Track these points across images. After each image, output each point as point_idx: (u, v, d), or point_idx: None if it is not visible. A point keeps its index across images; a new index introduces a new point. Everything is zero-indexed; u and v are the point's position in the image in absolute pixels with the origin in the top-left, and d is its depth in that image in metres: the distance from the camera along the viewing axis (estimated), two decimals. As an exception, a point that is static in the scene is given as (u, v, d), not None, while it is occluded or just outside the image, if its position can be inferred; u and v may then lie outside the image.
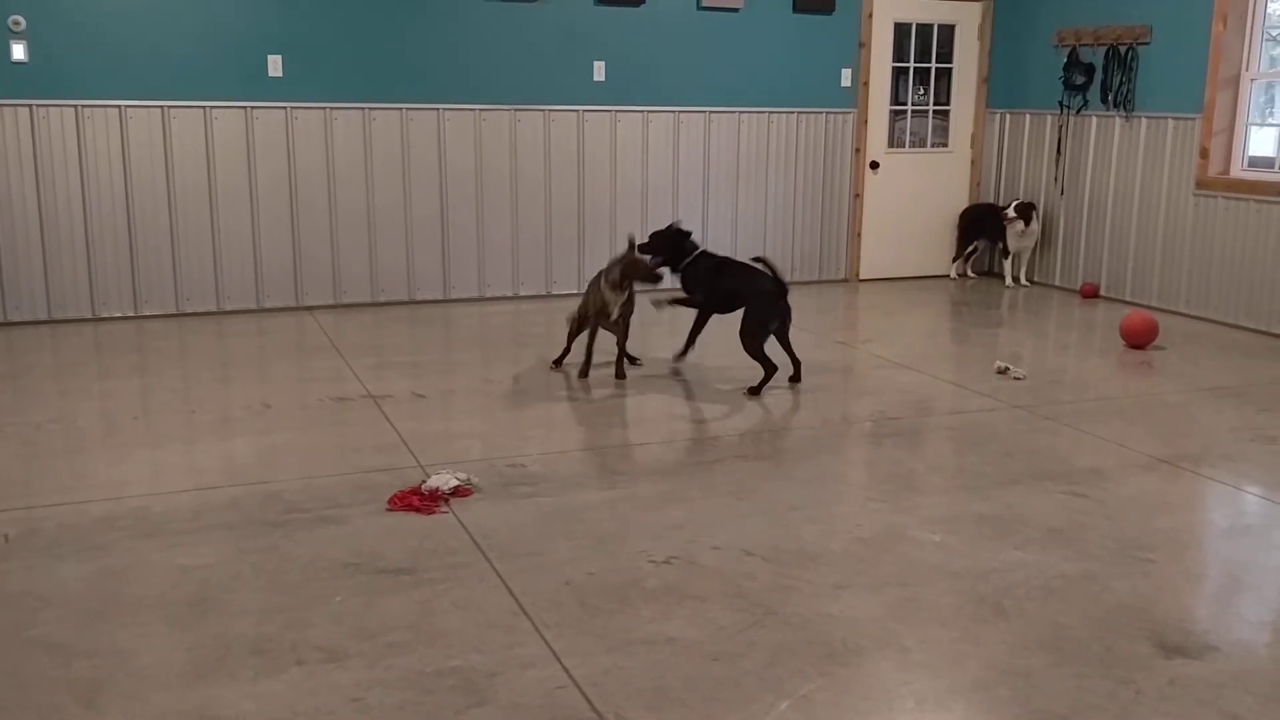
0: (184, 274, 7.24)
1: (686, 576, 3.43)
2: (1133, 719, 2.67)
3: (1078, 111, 8.41)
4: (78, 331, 6.80)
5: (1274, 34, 7.36)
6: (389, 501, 3.98)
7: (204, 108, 7.11)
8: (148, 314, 7.19)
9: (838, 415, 5.21)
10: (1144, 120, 7.91)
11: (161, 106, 7.02)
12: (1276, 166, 7.25)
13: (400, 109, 7.54)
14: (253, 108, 7.21)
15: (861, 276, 9.02)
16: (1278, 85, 7.38)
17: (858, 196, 8.91)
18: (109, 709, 2.68)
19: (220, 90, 7.12)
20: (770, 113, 8.51)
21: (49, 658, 2.91)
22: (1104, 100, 8.15)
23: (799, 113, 8.60)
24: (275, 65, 7.20)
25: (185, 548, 3.60)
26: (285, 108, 7.28)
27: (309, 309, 7.51)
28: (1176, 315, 7.62)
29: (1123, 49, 7.97)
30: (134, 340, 6.61)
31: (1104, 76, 8.13)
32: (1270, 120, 7.42)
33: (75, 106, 6.85)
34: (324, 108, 7.37)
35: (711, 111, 8.34)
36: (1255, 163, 7.41)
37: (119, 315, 7.14)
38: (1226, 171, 7.47)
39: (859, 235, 8.97)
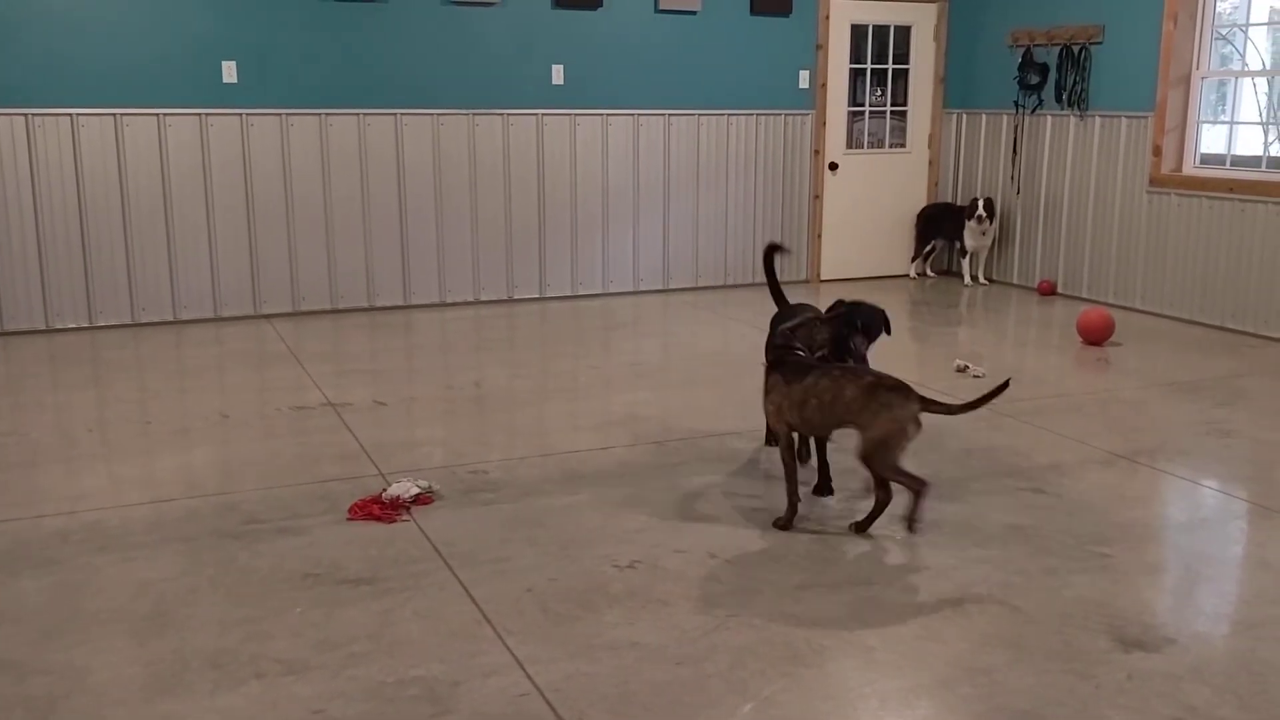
0: (139, 284, 7.15)
1: (650, 580, 3.43)
2: (1092, 713, 2.69)
3: (1033, 111, 8.50)
4: (30, 343, 6.70)
5: (1223, 33, 7.46)
6: (349, 511, 3.95)
7: (157, 115, 7.02)
8: (102, 325, 7.10)
9: (800, 416, 5.22)
10: (1098, 119, 8.00)
11: (114, 114, 6.93)
12: (1228, 163, 7.35)
13: (357, 114, 7.49)
14: (207, 115, 7.13)
15: (823, 277, 9.06)
16: (1228, 83, 7.48)
17: (817, 198, 8.95)
18: (64, 727, 2.64)
19: (173, 97, 7.04)
20: (729, 115, 8.54)
21: (3, 675, 2.86)
22: (1058, 99, 8.24)
23: (758, 114, 8.63)
24: (229, 71, 7.13)
25: (142, 561, 3.56)
26: (240, 114, 7.21)
27: (267, 317, 7.44)
28: (1132, 311, 7.71)
29: (1076, 49, 8.06)
30: (88, 351, 6.52)
31: (1058, 76, 8.22)
32: (1221, 118, 7.52)
33: (25, 115, 6.75)
34: (280, 114, 7.30)
35: (671, 114, 8.35)
36: (1207, 160, 7.51)
37: (73, 326, 7.04)
38: (1179, 169, 7.56)
39: (819, 236, 9.01)
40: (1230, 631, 3.15)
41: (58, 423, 5.10)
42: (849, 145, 9.03)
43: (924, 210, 9.25)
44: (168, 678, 2.85)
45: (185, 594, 3.32)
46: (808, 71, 8.71)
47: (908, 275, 9.32)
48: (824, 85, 8.77)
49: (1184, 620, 3.22)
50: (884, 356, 6.37)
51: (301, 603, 3.26)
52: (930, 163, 9.34)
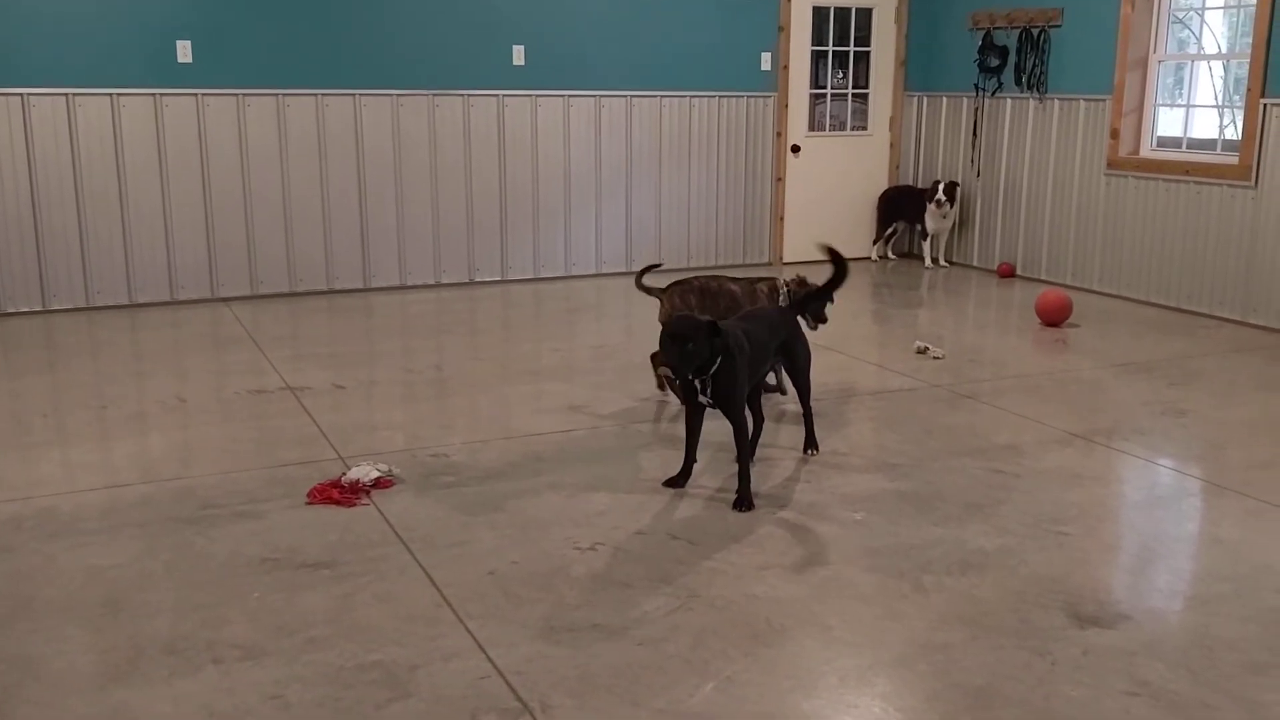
0: (93, 267, 7.05)
1: (611, 562, 3.43)
2: (1048, 689, 2.72)
3: (993, 94, 8.54)
4: (-18, 328, 6.59)
5: (1180, 16, 7.53)
6: (308, 495, 3.92)
7: (110, 95, 6.91)
8: (56, 308, 6.99)
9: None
10: (1056, 102, 8.06)
11: (65, 94, 6.80)
12: (1184, 146, 7.43)
13: (315, 95, 7.41)
14: (161, 95, 7.03)
15: (785, 260, 9.08)
16: (1185, 67, 7.55)
17: (779, 180, 8.96)
18: (18, 717, 2.60)
19: (127, 77, 6.93)
20: (691, 96, 8.52)
21: (-48, 665, 2.82)
22: (1018, 82, 8.28)
23: (720, 97, 8.61)
24: (184, 51, 7.02)
25: (96, 547, 3.51)
26: (196, 95, 7.11)
27: (224, 300, 7.36)
28: (1090, 293, 7.79)
29: (1035, 31, 8.10)
30: (42, 336, 6.42)
31: (1017, 59, 8.26)
32: (1178, 101, 7.60)
33: (-26, 95, 6.63)
34: (236, 94, 7.21)
35: (633, 95, 8.32)
36: (1164, 143, 7.59)
37: (26, 310, 6.92)
38: (1136, 152, 7.63)
39: (781, 219, 9.02)
40: (1184, 607, 3.20)
41: (10, 408, 5.02)
42: (811, 128, 9.04)
43: (885, 193, 9.28)
44: (122, 665, 2.81)
45: (140, 580, 3.28)
46: (770, 53, 8.70)
47: (869, 258, 9.36)
48: (786, 67, 8.76)
49: (1139, 597, 3.26)
50: (845, 339, 6.41)
51: (259, 588, 3.24)
52: (891, 145, 9.37)
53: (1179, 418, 4.98)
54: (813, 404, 4.47)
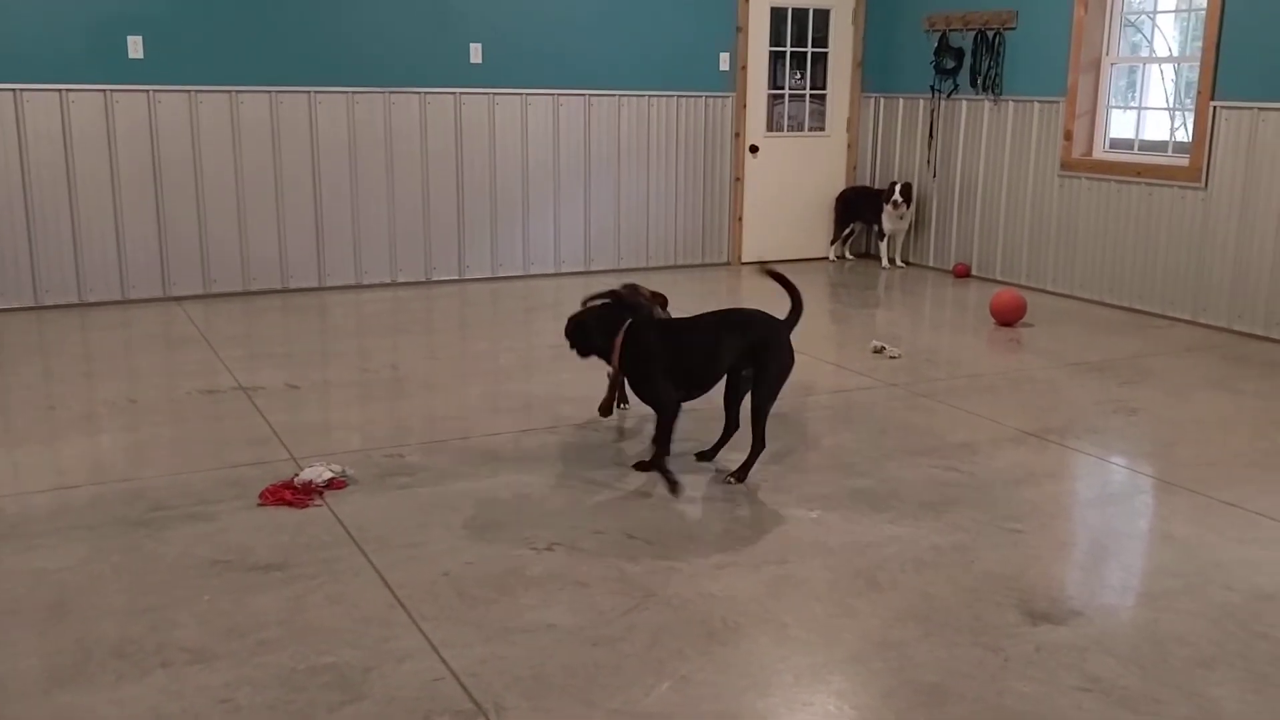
0: (42, 265, 6.92)
1: (568, 562, 3.41)
2: (1000, 685, 2.74)
3: (948, 95, 8.60)
4: (-73, 327, 6.46)
5: (1133, 20, 7.62)
6: (260, 496, 3.87)
7: (59, 91, 6.79)
8: (3, 308, 6.86)
9: (719, 397, 5.22)
10: (1011, 104, 8.13)
11: (13, 90, 6.68)
12: (1136, 148, 7.52)
13: (269, 92, 7.32)
14: (112, 91, 6.92)
15: (743, 260, 9.10)
16: (1137, 69, 7.65)
17: (738, 180, 8.98)
18: (-43, 722, 2.55)
19: (76, 73, 6.81)
20: (650, 96, 8.51)
21: (-109, 671, 2.75)
22: (973, 84, 8.35)
23: (678, 96, 8.61)
24: (135, 46, 6.92)
25: (42, 550, 3.44)
26: (147, 91, 7.01)
27: (177, 299, 7.26)
28: (1044, 293, 7.86)
29: (990, 33, 8.17)
30: (-11, 335, 6.30)
31: (973, 61, 8.32)
32: (1130, 103, 7.69)
33: (-82, 89, 6.49)
34: (188, 91, 7.11)
35: (591, 94, 8.30)
36: (1116, 144, 7.67)
37: (-28, 309, 6.81)
38: (1089, 153, 7.72)
39: (740, 219, 9.04)
40: (1134, 604, 3.23)
41: (-46, 409, 4.92)
42: (769, 128, 9.07)
43: (843, 194, 9.32)
44: (69, 668, 2.76)
45: (88, 583, 3.23)
46: (728, 54, 8.72)
47: (827, 258, 9.40)
48: (744, 68, 8.78)
49: (1090, 593, 3.29)
50: (803, 338, 6.41)
51: (209, 590, 3.19)
52: (849, 146, 9.42)
53: (1131, 416, 5.04)
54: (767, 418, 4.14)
